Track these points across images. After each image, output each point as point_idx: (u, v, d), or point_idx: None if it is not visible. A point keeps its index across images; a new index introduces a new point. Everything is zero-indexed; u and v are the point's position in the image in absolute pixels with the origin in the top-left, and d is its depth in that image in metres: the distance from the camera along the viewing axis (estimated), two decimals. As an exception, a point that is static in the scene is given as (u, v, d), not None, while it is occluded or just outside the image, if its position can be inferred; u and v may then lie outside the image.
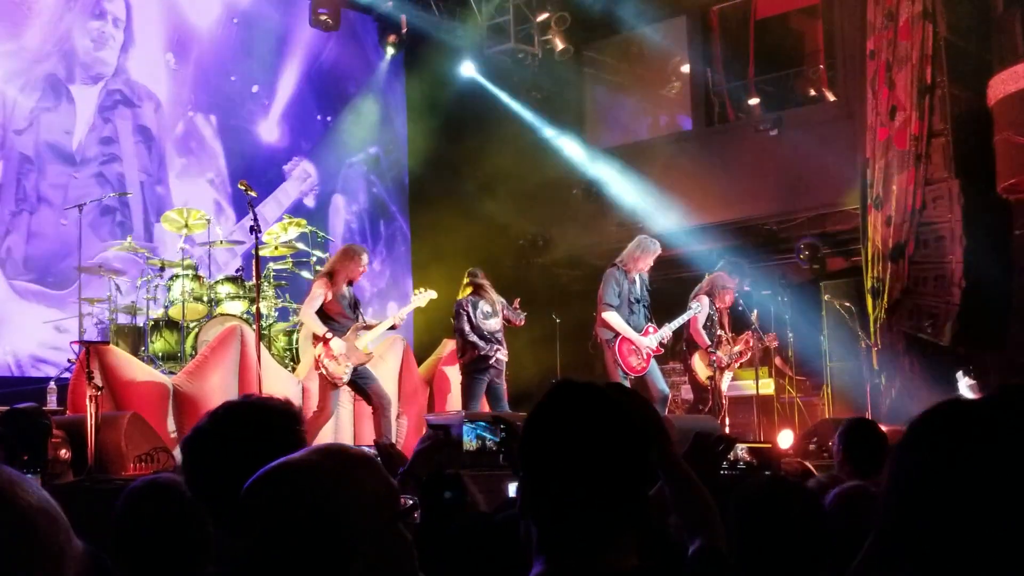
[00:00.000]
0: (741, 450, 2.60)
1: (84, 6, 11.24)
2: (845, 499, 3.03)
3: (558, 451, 1.74)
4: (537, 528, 1.76)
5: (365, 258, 8.31)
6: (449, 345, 10.18)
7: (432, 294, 8.81)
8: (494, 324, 8.98)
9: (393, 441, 7.98)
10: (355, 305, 8.35)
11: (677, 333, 9.34)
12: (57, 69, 11.00)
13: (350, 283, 8.27)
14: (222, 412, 2.15)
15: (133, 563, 2.40)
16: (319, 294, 8.06)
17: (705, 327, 9.42)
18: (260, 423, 2.11)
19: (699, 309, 9.30)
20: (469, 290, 9.05)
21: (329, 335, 7.97)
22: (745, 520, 2.63)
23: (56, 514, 1.09)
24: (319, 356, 8.01)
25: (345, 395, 8.75)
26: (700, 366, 9.55)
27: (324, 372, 7.97)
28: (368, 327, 8.32)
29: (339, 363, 7.99)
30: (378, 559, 1.60)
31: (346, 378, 8.05)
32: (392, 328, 8.57)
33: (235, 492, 1.95)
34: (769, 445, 4.76)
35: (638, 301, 8.95)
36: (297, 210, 12.55)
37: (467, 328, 8.86)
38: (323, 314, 8.07)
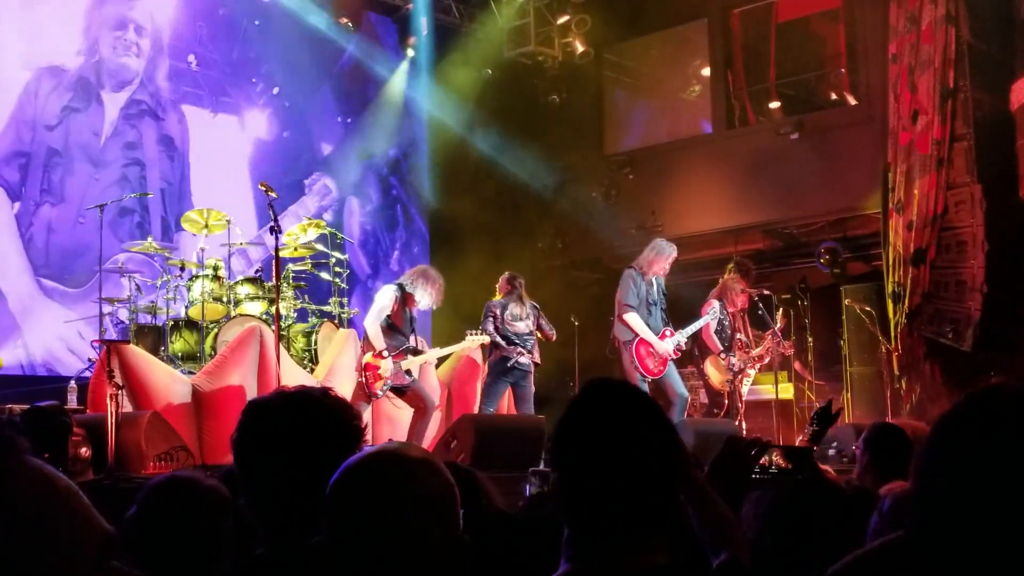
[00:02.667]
0: (774, 454, 2.57)
1: (108, 16, 11.43)
2: (903, 501, 2.96)
3: (591, 449, 1.74)
4: (568, 525, 1.76)
5: (440, 287, 8.29)
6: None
7: (485, 339, 8.79)
8: (522, 327, 8.98)
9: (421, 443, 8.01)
10: (413, 326, 8.42)
11: (692, 337, 9.32)
12: (88, 74, 11.23)
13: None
14: (295, 399, 2.10)
15: (150, 558, 2.41)
16: (387, 304, 8.13)
17: (717, 332, 9.38)
18: (327, 423, 2.06)
19: (713, 315, 9.27)
20: (501, 293, 9.09)
21: (386, 353, 8.02)
22: (778, 522, 2.58)
23: (77, 495, 1.13)
24: (366, 363, 8.06)
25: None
26: (713, 371, 9.52)
27: (363, 381, 8.03)
28: (417, 352, 8.39)
29: (380, 380, 8.06)
30: (436, 558, 1.62)
31: (380, 395, 8.12)
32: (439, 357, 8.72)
33: (276, 474, 1.97)
34: (804, 448, 4.69)
35: (655, 304, 8.94)
36: (316, 213, 12.60)
37: (491, 328, 8.86)
38: (386, 323, 8.15)
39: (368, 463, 1.69)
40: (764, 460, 2.59)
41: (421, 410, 8.23)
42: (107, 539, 1.15)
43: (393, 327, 8.17)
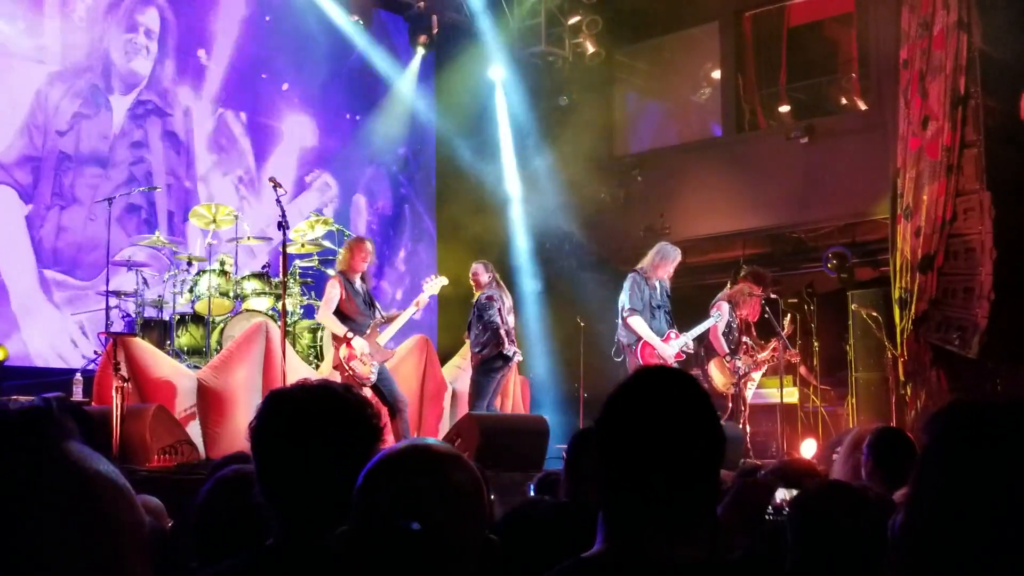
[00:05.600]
0: (784, 494, 2.54)
1: (119, 19, 11.49)
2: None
3: (638, 435, 1.72)
4: (610, 511, 1.74)
5: (368, 246, 8.29)
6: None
7: (443, 280, 8.67)
8: (511, 320, 8.93)
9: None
10: (371, 302, 8.35)
11: (698, 339, 9.31)
12: (97, 80, 11.30)
13: (363, 279, 8.29)
14: (319, 392, 2.10)
15: (212, 548, 2.42)
16: (334, 295, 8.08)
17: (724, 335, 9.37)
18: (349, 418, 2.05)
19: (718, 317, 9.26)
20: (482, 285, 8.96)
21: (350, 335, 7.98)
22: (806, 528, 2.54)
23: (122, 486, 1.12)
24: (344, 358, 8.00)
25: (367, 394, 8.75)
26: (716, 373, 9.51)
27: (351, 374, 7.95)
28: (388, 320, 8.32)
29: (364, 363, 8.00)
30: (463, 554, 1.62)
31: (374, 377, 8.04)
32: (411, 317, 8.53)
33: (295, 465, 1.98)
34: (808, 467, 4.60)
35: (659, 307, 8.94)
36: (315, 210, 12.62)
37: (499, 321, 8.72)
38: (340, 314, 8.09)
39: (397, 456, 1.70)
40: (780, 500, 2.57)
41: (398, 412, 8.17)
42: (144, 540, 1.14)
43: (349, 316, 8.12)
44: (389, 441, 6.29)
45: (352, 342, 7.97)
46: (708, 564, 1.73)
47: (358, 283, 8.21)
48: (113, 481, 1.10)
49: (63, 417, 1.10)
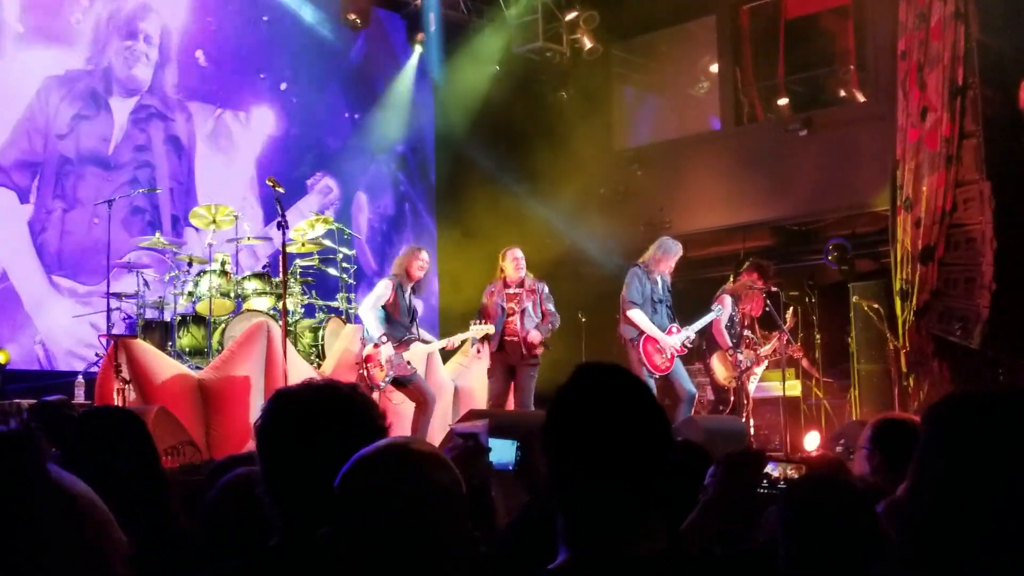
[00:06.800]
0: (776, 468, 2.51)
1: (118, 26, 11.50)
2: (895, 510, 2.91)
3: (582, 434, 1.71)
4: (563, 515, 1.73)
5: (424, 255, 8.40)
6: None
7: (489, 328, 8.61)
8: None
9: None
10: (413, 315, 8.40)
11: (701, 333, 9.30)
12: (97, 84, 11.31)
13: (414, 291, 8.35)
14: (325, 391, 2.10)
15: (221, 551, 2.42)
16: (384, 293, 8.15)
17: (727, 328, 9.37)
18: (355, 418, 2.05)
19: (719, 311, 9.26)
20: (525, 270, 9.00)
21: (384, 340, 8.01)
22: (798, 523, 2.53)
23: (98, 503, 1.14)
24: (363, 357, 8.05)
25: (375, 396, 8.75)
26: (719, 367, 9.50)
27: (364, 373, 8.00)
28: (423, 342, 8.38)
29: (382, 369, 8.03)
30: (442, 553, 1.62)
31: (383, 385, 8.08)
32: (442, 349, 8.63)
33: (300, 464, 1.99)
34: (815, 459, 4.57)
35: (661, 301, 8.94)
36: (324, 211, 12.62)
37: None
38: (385, 315, 8.16)
39: (376, 456, 1.70)
40: (777, 474, 2.55)
41: (422, 404, 8.21)
42: (123, 553, 1.16)
43: (391, 318, 8.16)
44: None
45: (381, 346, 8.01)
46: (668, 557, 1.73)
47: (408, 292, 8.27)
48: (93, 500, 1.12)
49: (40, 439, 1.12)
